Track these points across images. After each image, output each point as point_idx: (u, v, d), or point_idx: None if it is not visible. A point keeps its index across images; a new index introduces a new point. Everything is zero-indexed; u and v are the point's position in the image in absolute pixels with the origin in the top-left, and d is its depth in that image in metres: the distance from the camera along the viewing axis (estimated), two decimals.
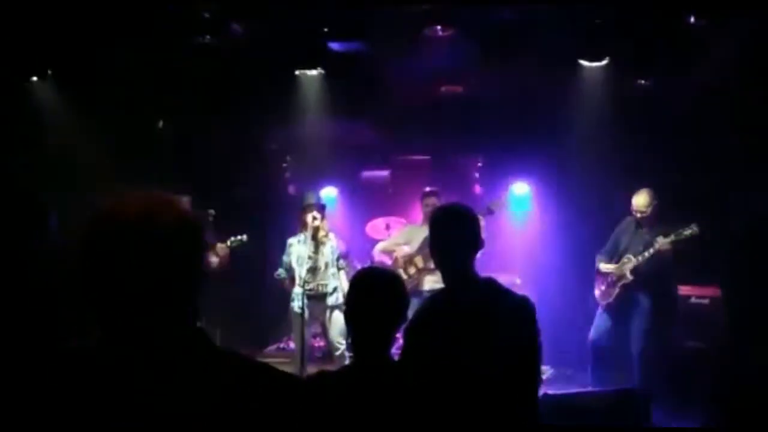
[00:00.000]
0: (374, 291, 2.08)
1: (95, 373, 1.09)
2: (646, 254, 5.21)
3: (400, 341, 2.51)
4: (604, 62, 6.22)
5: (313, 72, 6.73)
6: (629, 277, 5.30)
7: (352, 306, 2.11)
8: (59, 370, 1.11)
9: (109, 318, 1.11)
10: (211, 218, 5.77)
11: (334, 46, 6.32)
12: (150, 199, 1.15)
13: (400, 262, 5.93)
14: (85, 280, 1.11)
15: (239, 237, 5.86)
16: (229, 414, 1.10)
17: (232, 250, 5.87)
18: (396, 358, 2.35)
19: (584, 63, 6.28)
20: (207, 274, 1.25)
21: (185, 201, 5.71)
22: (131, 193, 1.17)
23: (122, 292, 1.09)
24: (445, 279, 2.52)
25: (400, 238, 6.20)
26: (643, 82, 6.64)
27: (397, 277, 2.19)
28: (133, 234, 1.10)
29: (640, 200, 5.37)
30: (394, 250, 6.09)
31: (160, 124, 7.49)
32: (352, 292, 2.12)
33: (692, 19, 5.56)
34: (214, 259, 5.71)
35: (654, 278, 5.28)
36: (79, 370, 1.10)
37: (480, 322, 2.32)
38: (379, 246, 6.36)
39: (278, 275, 5.78)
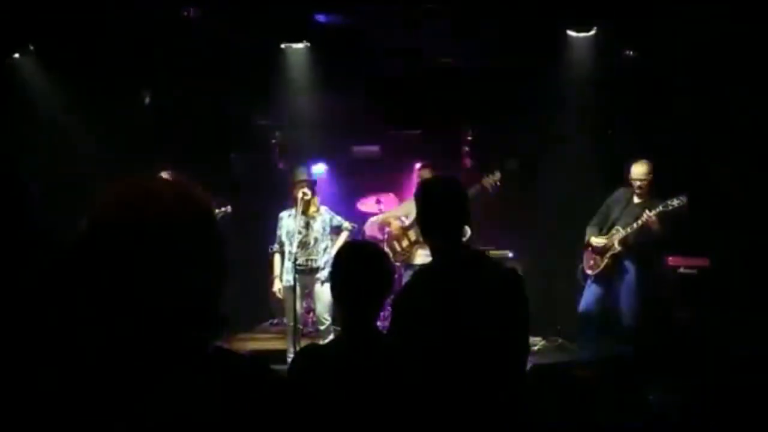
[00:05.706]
0: (357, 265, 2.09)
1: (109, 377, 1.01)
2: (635, 225, 5.23)
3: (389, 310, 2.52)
4: (591, 32, 6.18)
5: (299, 45, 6.64)
6: (617, 247, 5.33)
7: (336, 281, 2.11)
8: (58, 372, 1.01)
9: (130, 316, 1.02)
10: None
11: (320, 18, 6.22)
12: (173, 186, 1.09)
13: (393, 234, 5.94)
14: (101, 271, 1.02)
15: (222, 209, 5.80)
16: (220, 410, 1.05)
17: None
18: (384, 328, 2.36)
19: (572, 33, 6.23)
20: (227, 266, 1.18)
21: (166, 175, 5.62)
22: (143, 177, 1.10)
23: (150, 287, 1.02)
24: (433, 252, 2.51)
25: (400, 211, 6.22)
26: (630, 52, 6.59)
27: (380, 251, 2.19)
28: (166, 219, 1.03)
29: (640, 169, 5.34)
30: (389, 222, 6.10)
31: (147, 99, 7.39)
32: (336, 268, 2.12)
33: None
34: None
35: (642, 249, 5.31)
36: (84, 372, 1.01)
37: (468, 295, 2.32)
38: (378, 217, 6.36)
39: (272, 249, 5.79)
